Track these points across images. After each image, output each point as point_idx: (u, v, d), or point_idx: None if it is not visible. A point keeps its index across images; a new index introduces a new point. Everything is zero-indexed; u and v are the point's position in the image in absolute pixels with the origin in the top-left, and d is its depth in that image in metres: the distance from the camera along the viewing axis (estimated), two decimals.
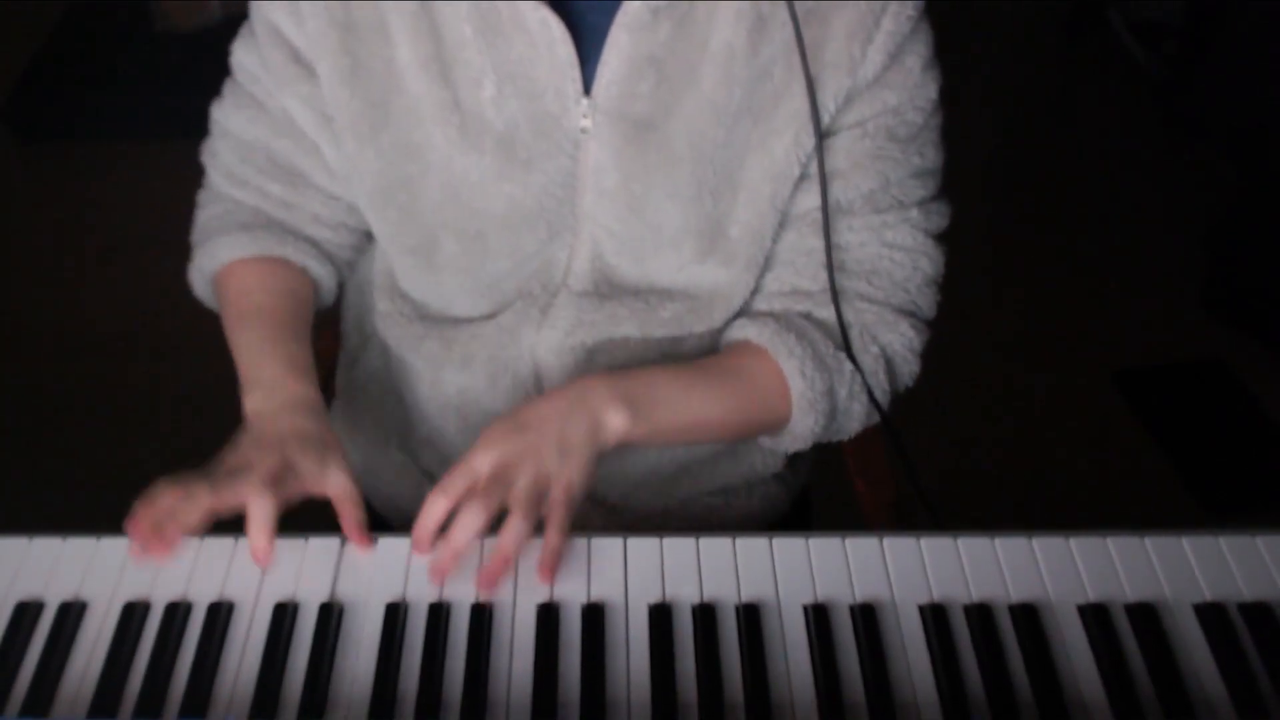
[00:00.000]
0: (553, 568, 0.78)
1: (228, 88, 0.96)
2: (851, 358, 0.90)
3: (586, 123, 0.84)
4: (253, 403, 0.87)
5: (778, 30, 0.83)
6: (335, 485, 0.82)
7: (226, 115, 0.96)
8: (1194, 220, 2.47)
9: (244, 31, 0.93)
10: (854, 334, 0.90)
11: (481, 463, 0.80)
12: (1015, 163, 2.72)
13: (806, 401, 0.88)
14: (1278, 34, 2.44)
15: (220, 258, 0.95)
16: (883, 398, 0.92)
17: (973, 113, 2.73)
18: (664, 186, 0.86)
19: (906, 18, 0.83)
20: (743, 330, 0.91)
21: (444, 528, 0.78)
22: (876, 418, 0.94)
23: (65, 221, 2.48)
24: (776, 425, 0.91)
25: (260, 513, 0.78)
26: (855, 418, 0.92)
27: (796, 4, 0.81)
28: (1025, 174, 2.70)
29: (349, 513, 0.82)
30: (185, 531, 0.78)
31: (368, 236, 1.02)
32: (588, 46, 0.83)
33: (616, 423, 0.83)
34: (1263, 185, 2.37)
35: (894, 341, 0.92)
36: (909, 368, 0.94)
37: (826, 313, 0.90)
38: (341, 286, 1.05)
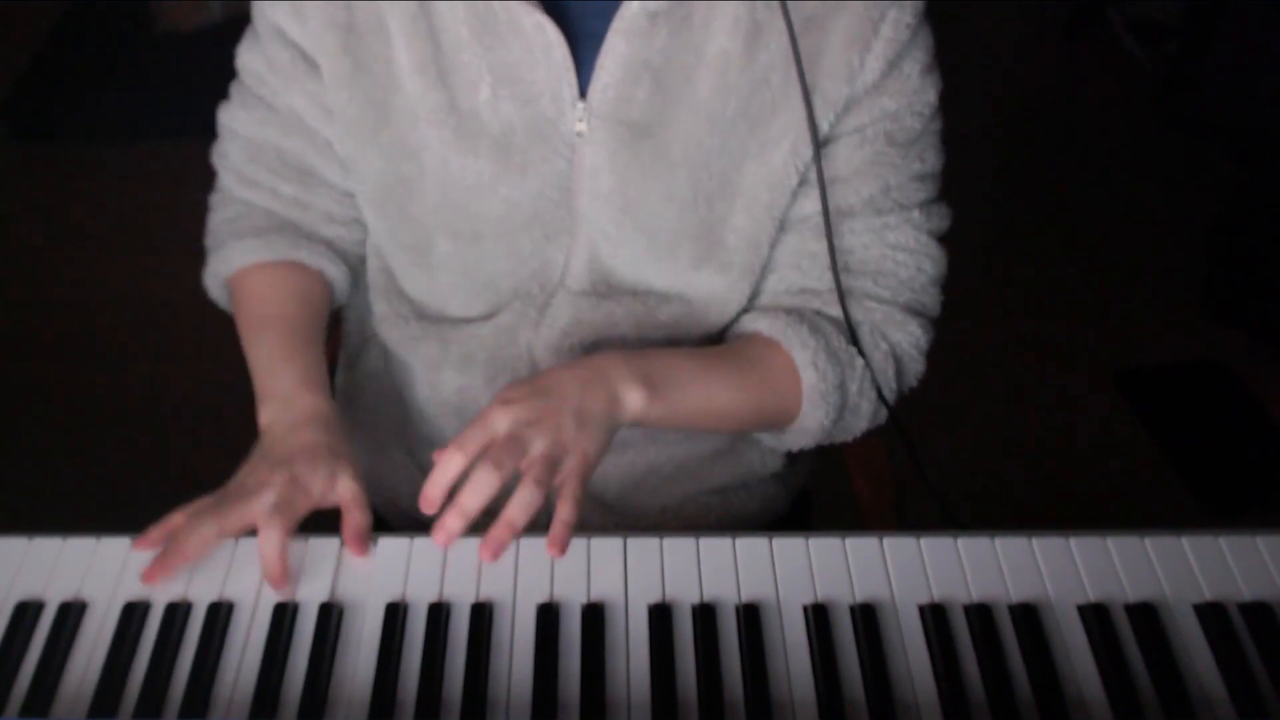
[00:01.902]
0: (564, 541, 0.74)
1: (234, 90, 0.96)
2: (861, 354, 0.90)
3: (582, 127, 0.85)
4: (266, 416, 0.87)
5: (775, 38, 0.83)
6: (343, 490, 0.83)
7: (234, 117, 0.96)
8: (1194, 220, 2.47)
9: (248, 34, 0.93)
10: (863, 332, 0.90)
11: (499, 422, 0.76)
12: (1016, 163, 2.71)
13: (818, 394, 0.87)
14: (1278, 34, 2.44)
15: (234, 263, 0.95)
16: (890, 396, 0.92)
17: (973, 113, 2.72)
18: (659, 191, 0.86)
19: (905, 25, 0.83)
20: (754, 323, 0.91)
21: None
22: (883, 417, 0.94)
23: (65, 221, 2.47)
24: (786, 418, 0.90)
25: (269, 545, 0.78)
26: (863, 416, 0.92)
27: (793, 13, 0.80)
28: (1025, 174, 2.69)
29: (352, 518, 0.82)
30: (189, 558, 0.79)
31: None
32: (584, 51, 0.83)
33: (633, 400, 0.82)
34: (1263, 185, 2.37)
35: (903, 340, 0.91)
36: (915, 366, 0.94)
37: (836, 311, 0.90)
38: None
